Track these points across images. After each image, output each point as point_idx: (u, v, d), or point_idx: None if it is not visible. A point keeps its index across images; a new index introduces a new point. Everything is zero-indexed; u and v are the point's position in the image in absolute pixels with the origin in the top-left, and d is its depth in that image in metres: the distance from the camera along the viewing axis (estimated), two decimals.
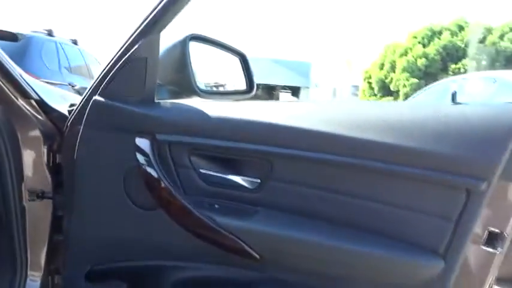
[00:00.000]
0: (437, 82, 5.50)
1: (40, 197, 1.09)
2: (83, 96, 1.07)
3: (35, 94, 1.11)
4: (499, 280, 2.76)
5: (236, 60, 1.38)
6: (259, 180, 0.97)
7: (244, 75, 1.31)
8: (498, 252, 0.84)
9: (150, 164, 0.98)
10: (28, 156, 1.08)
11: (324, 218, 0.92)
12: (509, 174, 0.81)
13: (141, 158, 0.99)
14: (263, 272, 0.96)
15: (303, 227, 0.92)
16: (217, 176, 1.00)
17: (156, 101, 1.05)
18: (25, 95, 1.08)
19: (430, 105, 0.93)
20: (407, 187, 0.87)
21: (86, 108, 1.04)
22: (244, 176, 0.99)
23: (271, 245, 0.93)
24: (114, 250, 1.07)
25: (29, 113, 1.08)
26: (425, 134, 0.85)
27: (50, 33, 5.30)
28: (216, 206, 0.97)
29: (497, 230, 0.83)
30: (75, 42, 5.84)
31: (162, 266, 1.04)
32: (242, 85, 1.38)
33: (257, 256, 0.93)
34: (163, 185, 0.97)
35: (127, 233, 1.06)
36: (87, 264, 1.09)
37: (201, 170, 1.00)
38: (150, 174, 0.98)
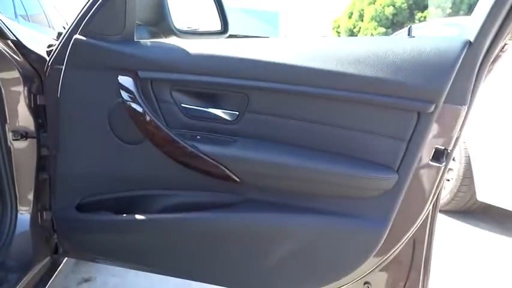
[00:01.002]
0: (402, 30, 5.61)
1: (24, 136, 1.12)
2: (63, 35, 1.08)
3: (11, 35, 1.11)
4: (447, 212, 3.05)
5: (210, 2, 1.40)
6: (237, 112, 1.05)
7: (219, 16, 1.34)
8: (443, 166, 0.97)
9: (134, 100, 1.03)
10: (9, 98, 1.10)
11: (296, 143, 1.02)
12: (453, 98, 0.93)
13: (125, 94, 1.04)
14: (243, 195, 1.07)
15: (276, 152, 1.01)
16: (197, 109, 1.07)
17: (136, 40, 1.09)
18: (2, 36, 1.08)
19: (389, 39, 1.02)
20: (368, 112, 0.97)
21: (67, 48, 1.06)
22: (223, 109, 1.06)
23: (249, 169, 1.02)
24: (102, 184, 1.14)
25: (7, 54, 1.08)
26: (384, 65, 0.94)
27: None
28: (198, 136, 1.05)
29: (442, 147, 0.96)
30: None
31: (148, 195, 1.13)
32: (215, 28, 1.41)
33: (237, 179, 1.03)
34: (148, 118, 1.03)
35: (114, 167, 1.12)
36: (77, 198, 1.16)
37: (183, 105, 1.06)
38: (135, 109, 1.04)
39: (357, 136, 0.98)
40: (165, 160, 1.05)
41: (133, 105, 1.04)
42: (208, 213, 1.07)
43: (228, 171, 1.02)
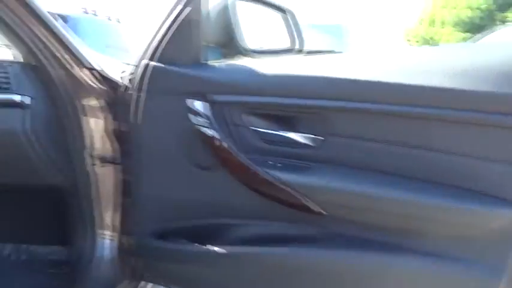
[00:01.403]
0: (484, 33, 5.18)
1: (106, 161, 1.15)
2: (137, 62, 1.09)
3: (94, 63, 1.14)
4: None
5: (281, 19, 1.35)
6: (317, 136, 0.96)
7: (293, 32, 1.28)
8: None
9: (206, 125, 1.00)
10: (92, 125, 1.14)
11: (388, 171, 0.90)
12: None
13: (196, 119, 1.01)
14: (327, 228, 0.96)
15: (366, 180, 0.91)
16: (273, 133, 1.00)
17: (206, 62, 1.06)
18: (85, 65, 1.12)
19: (487, 45, 0.87)
20: (474, 134, 0.83)
21: (143, 75, 1.07)
22: (302, 132, 0.98)
23: (334, 199, 0.93)
24: (180, 210, 1.12)
25: (90, 83, 1.12)
26: (484, 76, 0.81)
27: (85, 11, 5.40)
28: (275, 163, 0.98)
29: None
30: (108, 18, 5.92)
31: (224, 224, 1.08)
32: (287, 45, 1.35)
33: (320, 211, 0.93)
34: (222, 144, 0.99)
35: (190, 194, 1.10)
36: (156, 224, 1.15)
37: (257, 129, 1.00)
38: (207, 135, 1.00)
39: (462, 162, 0.84)
40: (240, 187, 1.00)
41: (205, 130, 1.00)
42: (288, 248, 0.99)
43: (309, 202, 0.93)
